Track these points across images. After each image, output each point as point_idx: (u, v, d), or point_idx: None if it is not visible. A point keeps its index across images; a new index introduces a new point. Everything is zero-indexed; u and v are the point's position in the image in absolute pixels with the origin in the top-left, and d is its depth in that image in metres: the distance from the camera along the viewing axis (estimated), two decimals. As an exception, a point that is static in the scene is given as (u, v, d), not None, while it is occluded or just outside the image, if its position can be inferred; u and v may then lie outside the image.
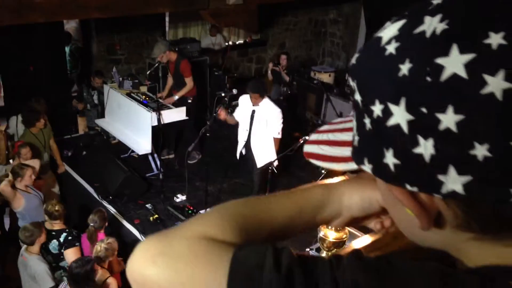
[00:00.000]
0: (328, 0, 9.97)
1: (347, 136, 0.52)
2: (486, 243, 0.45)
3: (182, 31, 9.05)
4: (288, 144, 4.94)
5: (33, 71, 6.70)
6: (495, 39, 0.38)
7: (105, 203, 5.58)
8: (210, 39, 8.94)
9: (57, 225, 4.28)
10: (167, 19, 8.85)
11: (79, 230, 4.52)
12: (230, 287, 0.45)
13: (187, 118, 6.13)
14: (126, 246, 4.57)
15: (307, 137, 4.60)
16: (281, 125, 5.09)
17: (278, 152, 5.12)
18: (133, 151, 6.25)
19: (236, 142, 5.47)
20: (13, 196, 4.61)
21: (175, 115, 6.01)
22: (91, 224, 4.35)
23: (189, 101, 6.30)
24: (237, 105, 5.41)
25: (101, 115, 6.81)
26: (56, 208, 4.24)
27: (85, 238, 4.41)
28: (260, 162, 5.18)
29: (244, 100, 5.19)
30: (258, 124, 5.10)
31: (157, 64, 6.35)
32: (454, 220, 0.45)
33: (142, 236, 5.10)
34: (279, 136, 5.14)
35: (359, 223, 0.65)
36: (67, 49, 7.97)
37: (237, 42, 9.89)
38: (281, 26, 10.17)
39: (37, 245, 4.01)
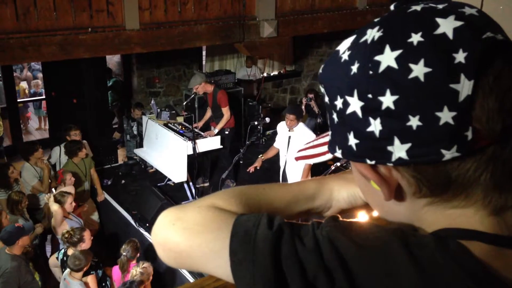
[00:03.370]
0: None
1: (325, 139, 0.63)
2: (439, 208, 0.54)
3: (219, 63, 9.31)
4: (321, 172, 4.95)
5: (76, 104, 7.01)
6: (416, 38, 0.50)
7: (142, 231, 5.69)
8: (245, 70, 9.15)
9: None
10: (204, 52, 9.16)
11: (116, 256, 4.62)
12: (232, 241, 0.56)
13: (221, 147, 6.26)
14: (161, 274, 4.62)
15: (338, 164, 4.66)
16: None
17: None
18: (169, 180, 6.39)
19: (269, 170, 5.51)
20: (61, 221, 4.80)
21: (210, 144, 6.14)
22: (124, 254, 4.44)
23: (226, 132, 6.40)
24: (270, 135, 5.49)
25: (140, 145, 7.04)
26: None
27: (117, 267, 4.49)
28: None
29: (281, 127, 5.38)
30: (294, 150, 5.16)
31: (193, 95, 6.53)
32: (409, 188, 0.54)
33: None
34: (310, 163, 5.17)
35: (346, 213, 0.75)
36: (109, 83, 8.36)
37: (271, 74, 10.07)
38: (315, 57, 10.30)
39: (81, 271, 4.13)
